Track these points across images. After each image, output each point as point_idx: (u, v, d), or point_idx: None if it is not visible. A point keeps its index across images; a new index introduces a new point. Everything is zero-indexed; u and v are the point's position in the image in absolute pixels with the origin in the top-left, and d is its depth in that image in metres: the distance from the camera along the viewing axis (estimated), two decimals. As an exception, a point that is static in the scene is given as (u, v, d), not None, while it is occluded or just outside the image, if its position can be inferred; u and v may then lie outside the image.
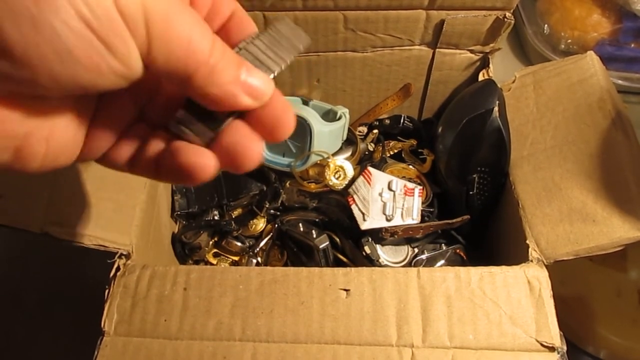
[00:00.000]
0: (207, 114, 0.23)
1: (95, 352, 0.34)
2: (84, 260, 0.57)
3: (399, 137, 0.57)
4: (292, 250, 0.50)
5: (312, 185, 0.51)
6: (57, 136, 0.22)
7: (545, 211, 0.39)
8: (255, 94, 0.23)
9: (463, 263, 0.48)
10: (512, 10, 0.45)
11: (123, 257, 0.39)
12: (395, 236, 0.46)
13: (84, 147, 0.24)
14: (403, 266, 0.47)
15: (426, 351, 0.33)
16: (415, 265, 0.47)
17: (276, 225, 0.51)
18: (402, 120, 0.56)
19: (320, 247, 0.46)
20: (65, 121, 0.22)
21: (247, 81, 0.22)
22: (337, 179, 0.49)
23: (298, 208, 0.52)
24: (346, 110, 0.53)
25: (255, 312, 0.35)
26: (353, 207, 0.47)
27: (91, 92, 0.20)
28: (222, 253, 0.53)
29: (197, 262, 0.52)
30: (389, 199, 0.47)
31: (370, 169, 0.48)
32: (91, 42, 0.18)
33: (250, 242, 0.53)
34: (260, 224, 0.52)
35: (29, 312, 0.57)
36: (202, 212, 0.52)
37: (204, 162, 0.23)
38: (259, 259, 0.52)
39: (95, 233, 0.38)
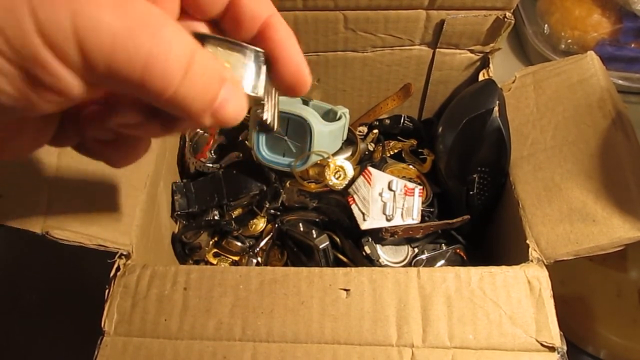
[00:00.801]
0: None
1: (95, 352, 0.34)
2: (84, 260, 0.57)
3: (399, 137, 0.57)
4: (292, 250, 0.50)
5: (312, 185, 0.51)
6: (13, 144, 0.21)
7: (545, 211, 0.39)
8: (222, 122, 0.20)
9: (463, 263, 0.48)
10: (512, 10, 0.45)
11: (123, 257, 0.39)
12: (395, 236, 0.46)
13: (51, 141, 0.23)
14: (403, 266, 0.47)
15: (426, 351, 0.33)
16: (415, 265, 0.47)
17: (276, 225, 0.51)
18: (402, 120, 0.56)
19: (320, 247, 0.46)
20: (22, 133, 0.21)
21: (220, 109, 0.19)
22: (337, 179, 0.49)
23: (298, 208, 0.52)
24: (346, 110, 0.53)
25: (255, 312, 0.35)
26: (353, 207, 0.47)
27: (35, 115, 0.18)
28: (222, 253, 0.53)
29: (197, 262, 0.52)
30: (389, 199, 0.47)
31: (370, 168, 0.48)
32: (14, 78, 0.16)
33: (250, 242, 0.53)
34: (260, 224, 0.52)
35: (29, 312, 0.57)
36: (202, 212, 0.52)
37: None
38: (259, 259, 0.52)
39: (95, 233, 0.38)
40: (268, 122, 0.24)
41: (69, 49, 0.16)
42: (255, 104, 0.23)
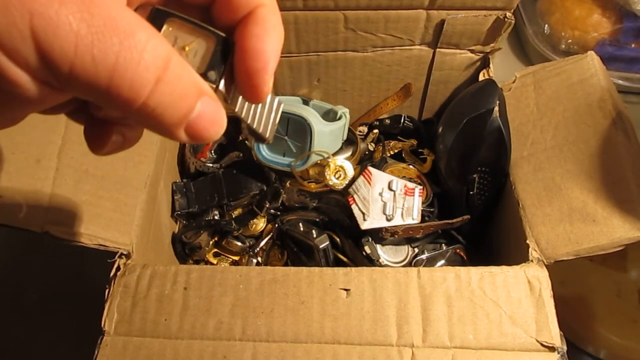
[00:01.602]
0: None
1: (96, 352, 0.34)
2: (84, 260, 0.57)
3: (399, 137, 0.57)
4: (292, 250, 0.50)
5: (313, 185, 0.51)
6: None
7: (545, 211, 0.39)
8: (198, 137, 0.18)
9: (463, 263, 0.48)
10: (512, 10, 0.45)
11: (123, 256, 0.39)
12: (396, 236, 0.46)
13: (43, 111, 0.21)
14: (403, 266, 0.47)
15: (426, 351, 0.33)
16: (415, 265, 0.47)
17: (276, 225, 0.51)
18: (402, 120, 0.56)
19: (321, 246, 0.46)
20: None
21: (195, 124, 0.18)
22: (337, 178, 0.49)
23: (298, 208, 0.52)
24: (346, 110, 0.53)
25: (256, 312, 0.35)
26: (353, 206, 0.47)
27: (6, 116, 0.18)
28: (223, 253, 0.53)
29: (197, 262, 0.52)
30: (389, 198, 0.47)
31: (370, 168, 0.48)
32: None
33: (251, 242, 0.53)
34: (260, 223, 0.52)
35: (29, 312, 0.57)
36: (202, 211, 0.52)
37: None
38: (259, 258, 0.52)
39: (95, 233, 0.38)
40: (254, 126, 0.22)
41: (27, 53, 0.15)
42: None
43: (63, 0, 0.15)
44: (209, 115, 0.18)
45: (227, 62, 0.20)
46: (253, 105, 0.22)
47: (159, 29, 0.19)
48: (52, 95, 0.17)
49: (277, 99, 0.24)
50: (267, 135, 0.23)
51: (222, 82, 0.20)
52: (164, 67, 0.16)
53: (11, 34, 0.14)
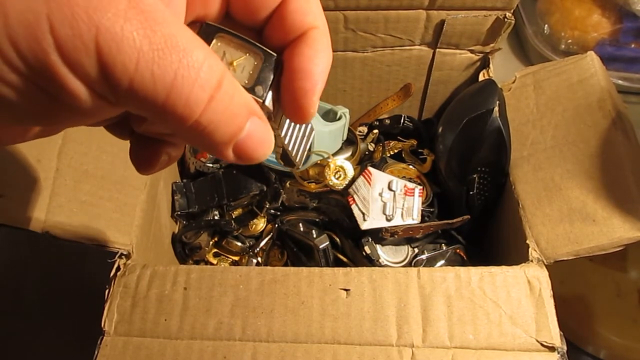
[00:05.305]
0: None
1: (96, 352, 0.34)
2: (84, 260, 0.57)
3: (399, 137, 0.57)
4: (292, 250, 0.50)
5: (312, 185, 0.51)
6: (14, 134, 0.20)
7: (545, 211, 0.39)
8: (246, 157, 0.18)
9: (463, 263, 0.48)
10: (512, 10, 0.45)
11: (123, 256, 0.39)
12: (396, 236, 0.46)
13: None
14: (403, 266, 0.47)
15: (426, 351, 0.33)
16: (415, 265, 0.47)
17: (276, 225, 0.51)
18: (402, 120, 0.56)
19: (320, 247, 0.46)
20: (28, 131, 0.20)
21: (244, 143, 0.18)
22: (337, 179, 0.49)
23: (298, 208, 0.52)
24: (346, 110, 0.53)
25: (256, 312, 0.35)
26: (353, 207, 0.47)
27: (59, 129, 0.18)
28: (223, 253, 0.53)
29: (197, 262, 0.52)
30: (389, 199, 0.47)
31: (370, 168, 0.48)
32: (32, 95, 0.16)
33: (251, 242, 0.53)
34: (260, 224, 0.52)
35: (30, 312, 0.57)
36: (202, 212, 0.52)
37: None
38: (259, 258, 0.52)
39: (95, 233, 0.38)
40: (289, 149, 0.22)
41: (89, 66, 0.15)
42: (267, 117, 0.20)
43: (128, 16, 0.15)
44: (258, 135, 0.18)
45: (274, 79, 0.20)
46: (292, 129, 0.22)
47: (208, 43, 0.20)
48: (106, 109, 0.17)
49: (310, 125, 0.23)
50: (298, 160, 0.23)
51: (269, 98, 0.20)
52: (217, 86, 0.16)
53: (76, 46, 0.15)
